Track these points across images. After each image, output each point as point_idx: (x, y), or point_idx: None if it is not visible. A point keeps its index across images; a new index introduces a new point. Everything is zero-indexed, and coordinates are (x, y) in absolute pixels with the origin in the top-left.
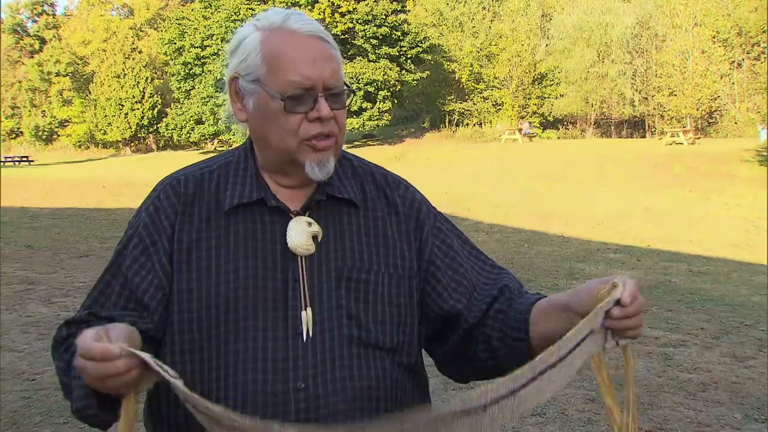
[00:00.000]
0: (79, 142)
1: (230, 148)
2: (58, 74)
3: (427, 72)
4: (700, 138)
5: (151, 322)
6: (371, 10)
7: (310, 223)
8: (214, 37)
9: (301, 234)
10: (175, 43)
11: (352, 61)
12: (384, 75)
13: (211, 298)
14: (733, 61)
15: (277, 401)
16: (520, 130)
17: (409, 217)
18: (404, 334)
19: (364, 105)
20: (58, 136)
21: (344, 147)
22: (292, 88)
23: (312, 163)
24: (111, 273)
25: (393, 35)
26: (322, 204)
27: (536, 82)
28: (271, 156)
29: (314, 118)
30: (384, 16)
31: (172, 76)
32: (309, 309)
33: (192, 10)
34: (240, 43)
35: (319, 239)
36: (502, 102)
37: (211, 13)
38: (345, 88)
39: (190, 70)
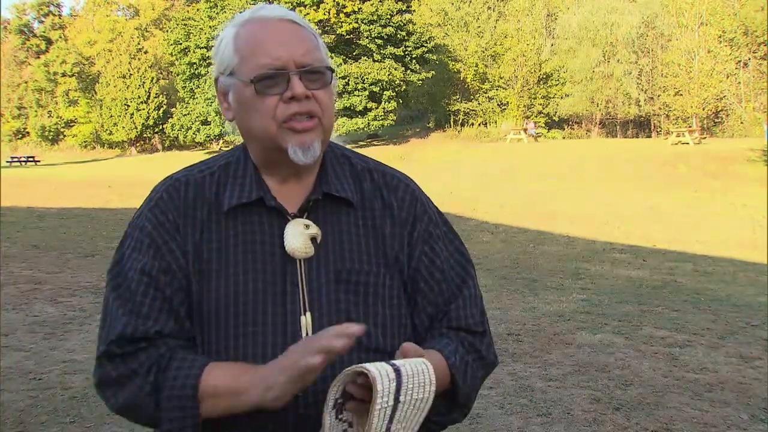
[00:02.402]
0: (84, 142)
1: (230, 149)
2: (64, 75)
3: (432, 72)
4: (705, 138)
5: (183, 326)
6: (376, 10)
7: (307, 226)
8: None
9: (298, 237)
10: (180, 44)
11: (357, 61)
12: (389, 75)
13: (212, 303)
14: (740, 61)
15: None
16: (525, 130)
17: (406, 221)
18: (403, 336)
19: (369, 105)
20: (64, 136)
21: (350, 146)
22: (261, 70)
23: (294, 146)
24: (134, 280)
25: (398, 35)
26: (320, 204)
27: (541, 82)
28: (258, 148)
29: (289, 98)
30: (389, 16)
31: (178, 76)
32: (308, 314)
33: (197, 10)
34: (219, 44)
35: (318, 241)
36: (507, 102)
37: (217, 13)
38: (324, 68)
39: (195, 70)
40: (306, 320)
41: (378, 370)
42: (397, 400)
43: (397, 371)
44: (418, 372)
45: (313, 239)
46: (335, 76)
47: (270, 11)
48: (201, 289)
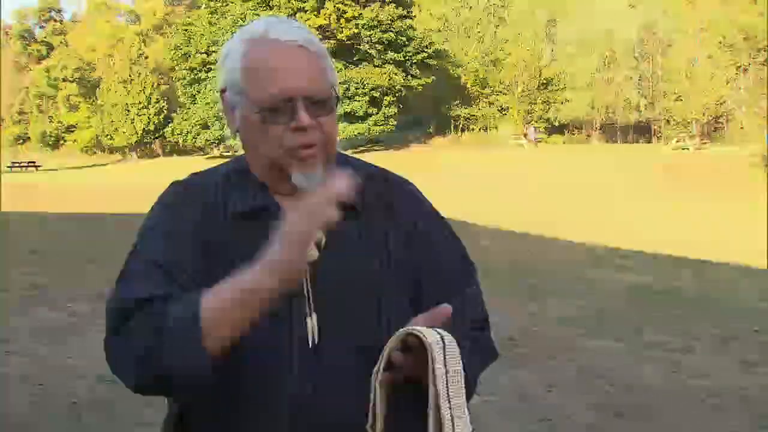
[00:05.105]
0: (85, 147)
1: (236, 155)
2: (65, 80)
3: (433, 77)
4: (706, 143)
5: None
6: (377, 16)
7: None
8: (220, 43)
9: None
10: (181, 49)
11: (357, 66)
12: (389, 80)
13: None
14: (740, 66)
15: (284, 407)
16: (525, 135)
17: (407, 221)
18: None
19: (370, 110)
20: (65, 141)
21: (349, 152)
22: (269, 100)
23: (298, 174)
24: (150, 271)
25: (398, 40)
26: None
27: (542, 87)
28: (260, 166)
29: (294, 128)
30: (389, 22)
31: (178, 81)
32: (314, 315)
33: (198, 16)
34: (226, 55)
35: (322, 245)
36: (508, 107)
37: (217, 19)
38: (330, 94)
39: (195, 75)
40: (312, 322)
41: (431, 336)
42: (446, 367)
43: (442, 338)
44: (451, 341)
45: (317, 243)
46: (340, 101)
47: (280, 33)
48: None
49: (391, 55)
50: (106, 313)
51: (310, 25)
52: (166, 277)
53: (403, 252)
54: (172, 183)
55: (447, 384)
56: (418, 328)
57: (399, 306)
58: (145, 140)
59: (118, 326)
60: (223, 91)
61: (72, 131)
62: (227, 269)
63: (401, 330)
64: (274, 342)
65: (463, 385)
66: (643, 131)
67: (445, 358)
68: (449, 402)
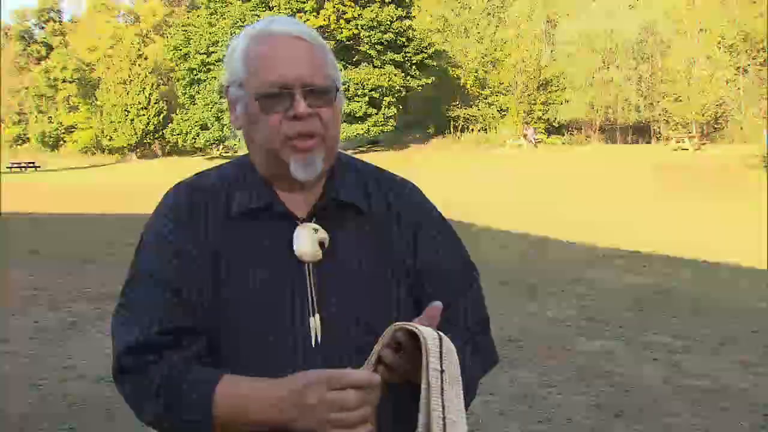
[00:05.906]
0: (85, 148)
1: (237, 155)
2: (64, 80)
3: (432, 78)
4: (705, 144)
5: (204, 329)
6: (376, 17)
7: (316, 230)
8: (220, 44)
9: (307, 241)
10: (180, 50)
11: (357, 67)
12: (389, 81)
13: (221, 306)
14: (739, 67)
15: None
16: (525, 135)
17: (410, 225)
18: None
19: (369, 111)
20: (65, 142)
21: (349, 152)
22: (267, 88)
23: (296, 164)
24: (148, 283)
25: (398, 41)
26: (328, 210)
27: (541, 88)
28: (261, 159)
29: (292, 116)
30: (389, 23)
31: (178, 81)
32: (317, 316)
33: (198, 16)
34: (230, 53)
35: (326, 245)
36: (507, 108)
37: (217, 20)
38: (330, 85)
39: (195, 75)
40: (315, 322)
41: (426, 330)
42: (442, 367)
43: (441, 338)
44: (452, 348)
45: (321, 243)
46: (341, 93)
47: (281, 26)
48: (213, 292)
49: (390, 55)
50: (112, 331)
51: (309, 27)
52: (175, 296)
53: (406, 254)
54: (175, 186)
55: (442, 383)
56: (409, 323)
57: (401, 307)
58: (145, 141)
59: (129, 366)
60: (227, 87)
61: (71, 132)
62: (231, 267)
63: (392, 326)
64: (277, 341)
65: (462, 392)
66: (642, 131)
67: (441, 357)
68: (442, 399)
